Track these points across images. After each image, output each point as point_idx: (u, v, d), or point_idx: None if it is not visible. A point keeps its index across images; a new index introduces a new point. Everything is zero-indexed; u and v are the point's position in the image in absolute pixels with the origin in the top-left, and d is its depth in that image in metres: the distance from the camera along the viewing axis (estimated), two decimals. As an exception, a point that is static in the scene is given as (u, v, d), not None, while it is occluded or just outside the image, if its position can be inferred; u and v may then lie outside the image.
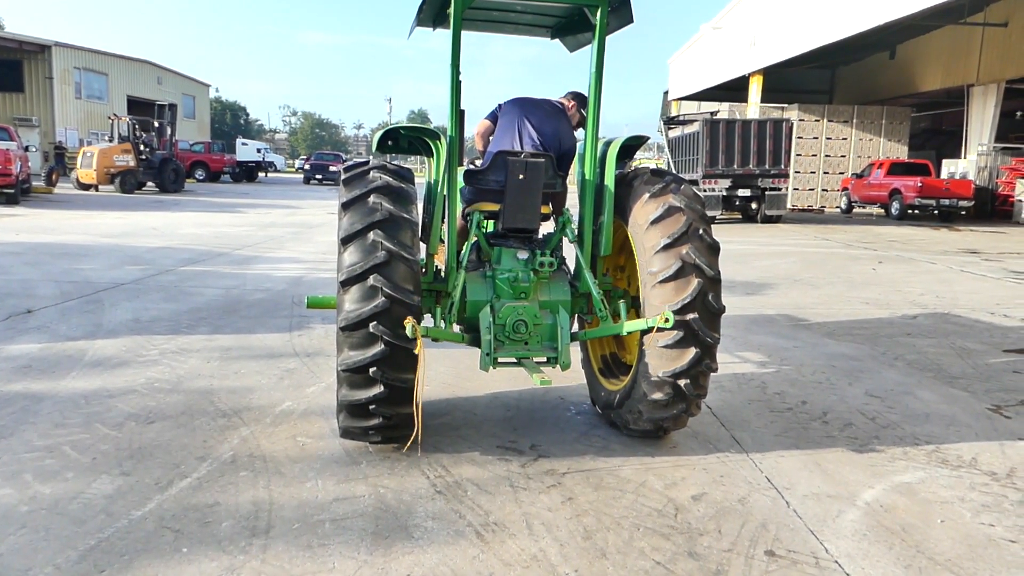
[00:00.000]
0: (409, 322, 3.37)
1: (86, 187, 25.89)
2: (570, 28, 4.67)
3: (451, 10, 3.85)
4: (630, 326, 3.88)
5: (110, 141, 27.27)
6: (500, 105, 4.72)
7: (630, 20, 4.09)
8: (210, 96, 63.41)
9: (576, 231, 4.32)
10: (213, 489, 3.41)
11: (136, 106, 42.18)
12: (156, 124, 27.87)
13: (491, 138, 4.73)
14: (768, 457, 4.03)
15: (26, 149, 22.93)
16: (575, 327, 4.76)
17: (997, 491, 3.70)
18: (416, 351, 3.43)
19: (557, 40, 5.01)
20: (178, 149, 31.49)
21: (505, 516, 3.26)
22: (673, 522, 3.27)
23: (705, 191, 20.15)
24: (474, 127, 4.76)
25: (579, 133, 4.75)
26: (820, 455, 4.09)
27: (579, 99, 4.79)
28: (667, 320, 3.57)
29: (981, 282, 10.82)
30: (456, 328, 4.14)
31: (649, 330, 3.74)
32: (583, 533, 3.15)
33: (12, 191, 18.94)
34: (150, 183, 27.62)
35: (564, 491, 3.53)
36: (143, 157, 26.81)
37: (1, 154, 18.85)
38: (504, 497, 3.45)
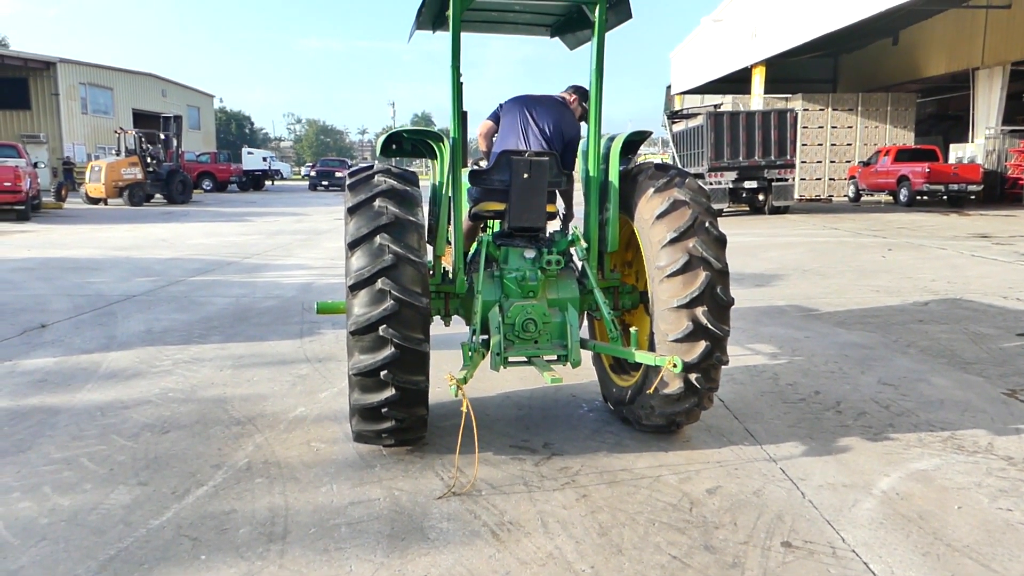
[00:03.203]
0: (452, 382, 3.36)
1: (95, 201, 26.07)
2: (569, 26, 4.67)
3: (450, 12, 3.86)
4: (640, 356, 3.82)
5: (117, 155, 27.44)
6: (501, 105, 4.73)
7: (628, 16, 4.09)
8: (215, 107, 63.66)
9: (585, 250, 4.29)
10: (229, 496, 3.44)
11: (142, 119, 42.39)
12: (162, 136, 28.05)
13: (495, 138, 4.74)
14: (782, 448, 4.02)
15: (35, 166, 23.12)
16: (584, 328, 4.75)
17: (1014, 476, 3.68)
18: (463, 408, 3.38)
19: (557, 39, 5.02)
20: (184, 160, 31.63)
21: (520, 515, 3.27)
22: (688, 516, 3.27)
23: (711, 184, 20.07)
24: (476, 128, 4.78)
25: (582, 126, 4.76)
26: (834, 445, 4.07)
27: (580, 92, 4.80)
28: (675, 366, 3.55)
29: (992, 266, 10.74)
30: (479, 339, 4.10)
31: (657, 368, 3.72)
32: (598, 530, 3.15)
33: (23, 207, 19.07)
34: (158, 195, 27.79)
35: (578, 488, 3.54)
36: (150, 169, 26.97)
37: (10, 171, 18.99)
38: (518, 496, 3.45)
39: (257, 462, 3.83)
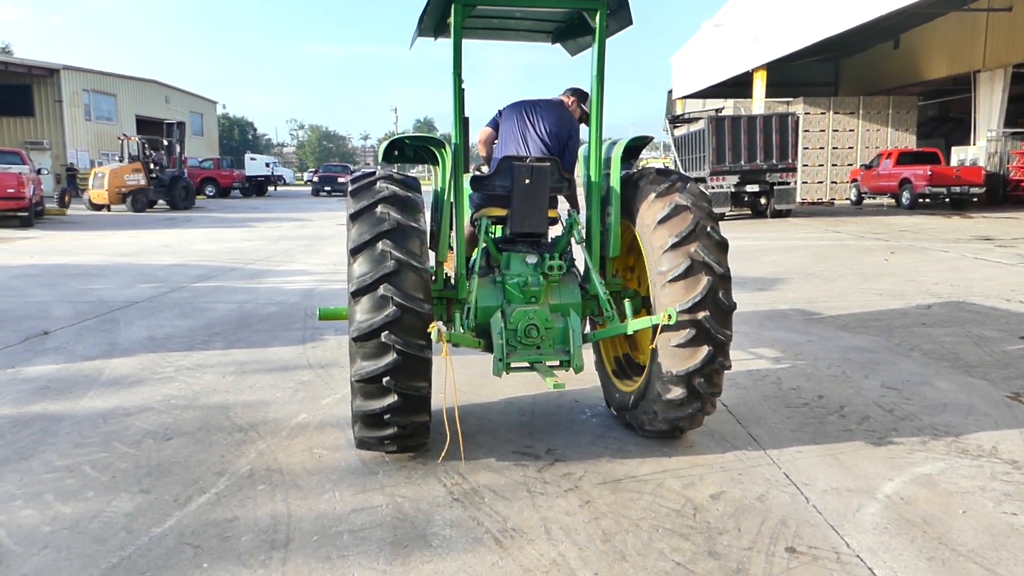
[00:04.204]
0: (434, 327, 3.42)
1: (98, 207, 26.13)
2: (570, 32, 4.68)
3: (451, 19, 3.87)
4: (635, 324, 3.93)
5: (120, 161, 27.49)
6: (500, 111, 4.75)
7: (629, 22, 4.10)
8: (217, 113, 63.85)
9: (583, 232, 4.34)
10: (232, 504, 3.43)
11: (145, 125, 42.52)
12: (165, 142, 28.09)
13: (495, 144, 4.76)
14: (786, 453, 4.01)
15: (38, 172, 23.18)
16: (587, 330, 4.76)
17: (1018, 479, 3.66)
18: (443, 356, 3.46)
19: (558, 45, 5.02)
20: (188, 166, 31.68)
21: (523, 522, 3.26)
22: (692, 522, 3.26)
23: (713, 188, 20.08)
24: (476, 135, 4.79)
25: (581, 128, 4.78)
26: (838, 449, 4.06)
27: (578, 94, 4.83)
28: (670, 317, 3.60)
29: (995, 269, 10.72)
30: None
31: (655, 328, 3.75)
32: (602, 536, 3.14)
33: (26, 214, 19.11)
34: (161, 201, 27.84)
35: (581, 494, 3.53)
36: (153, 176, 27.02)
37: (14, 178, 19.05)
38: (521, 502, 3.45)
39: (259, 469, 3.82)
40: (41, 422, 4.53)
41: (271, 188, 45.85)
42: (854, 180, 26.71)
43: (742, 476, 3.73)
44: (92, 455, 4.01)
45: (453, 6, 3.81)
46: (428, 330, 3.44)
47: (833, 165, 27.58)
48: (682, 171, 21.90)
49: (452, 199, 4.06)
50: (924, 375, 5.46)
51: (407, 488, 3.59)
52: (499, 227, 4.56)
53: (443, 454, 3.86)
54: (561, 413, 4.70)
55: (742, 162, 20.38)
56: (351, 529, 3.20)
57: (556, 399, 4.93)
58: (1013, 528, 3.19)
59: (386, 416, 3.56)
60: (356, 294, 3.48)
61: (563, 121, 4.66)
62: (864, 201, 26.72)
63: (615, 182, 4.15)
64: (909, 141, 27.38)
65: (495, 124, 4.76)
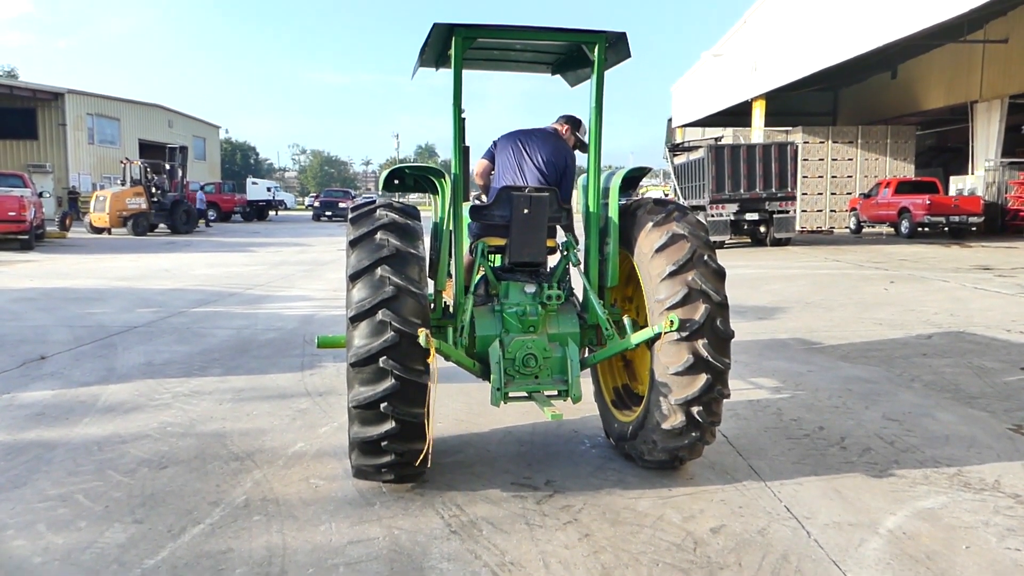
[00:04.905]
0: (422, 332, 3.40)
1: (99, 231, 26.19)
2: (570, 64, 4.72)
3: (452, 51, 3.91)
4: (637, 337, 3.92)
5: (122, 185, 27.61)
6: (495, 142, 4.78)
7: (628, 55, 4.14)
8: (220, 137, 64.28)
9: (579, 254, 4.34)
10: (226, 535, 3.39)
11: (148, 149, 42.78)
12: (168, 166, 28.24)
13: (492, 175, 4.78)
14: (787, 486, 3.97)
15: (40, 195, 23.26)
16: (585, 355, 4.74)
17: (1022, 514, 3.62)
18: (429, 360, 3.45)
19: (558, 76, 5.06)
20: (189, 190, 31.78)
21: (521, 555, 3.22)
22: (692, 556, 3.22)
23: (712, 216, 20.15)
24: (473, 167, 4.82)
25: (576, 155, 4.81)
26: (840, 482, 4.02)
27: (571, 122, 4.85)
28: (672, 323, 3.60)
29: (995, 299, 10.72)
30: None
31: (657, 337, 3.75)
32: (601, 570, 3.09)
33: (26, 237, 19.15)
34: (162, 225, 27.92)
35: (581, 527, 3.48)
36: (155, 199, 27.12)
37: (15, 201, 19.12)
38: (520, 535, 3.40)
39: (255, 499, 3.78)
40: (35, 449, 4.49)
41: (272, 213, 46.02)
42: (853, 209, 26.81)
43: (743, 509, 3.69)
44: (86, 484, 3.97)
45: (454, 39, 3.85)
46: (420, 333, 3.41)
47: (832, 194, 27.69)
48: (682, 199, 22.06)
49: (451, 228, 4.07)
50: (925, 406, 5.43)
51: (404, 520, 3.55)
52: (498, 256, 4.57)
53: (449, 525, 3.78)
54: (560, 444, 4.66)
55: (741, 190, 20.46)
56: (347, 562, 3.15)
57: (555, 429, 4.89)
58: (1017, 564, 3.14)
59: (383, 443, 3.53)
60: (355, 319, 3.47)
61: (559, 151, 4.68)
62: (863, 230, 26.78)
63: (613, 212, 4.16)
64: (907, 170, 27.53)
65: (490, 156, 4.79)
